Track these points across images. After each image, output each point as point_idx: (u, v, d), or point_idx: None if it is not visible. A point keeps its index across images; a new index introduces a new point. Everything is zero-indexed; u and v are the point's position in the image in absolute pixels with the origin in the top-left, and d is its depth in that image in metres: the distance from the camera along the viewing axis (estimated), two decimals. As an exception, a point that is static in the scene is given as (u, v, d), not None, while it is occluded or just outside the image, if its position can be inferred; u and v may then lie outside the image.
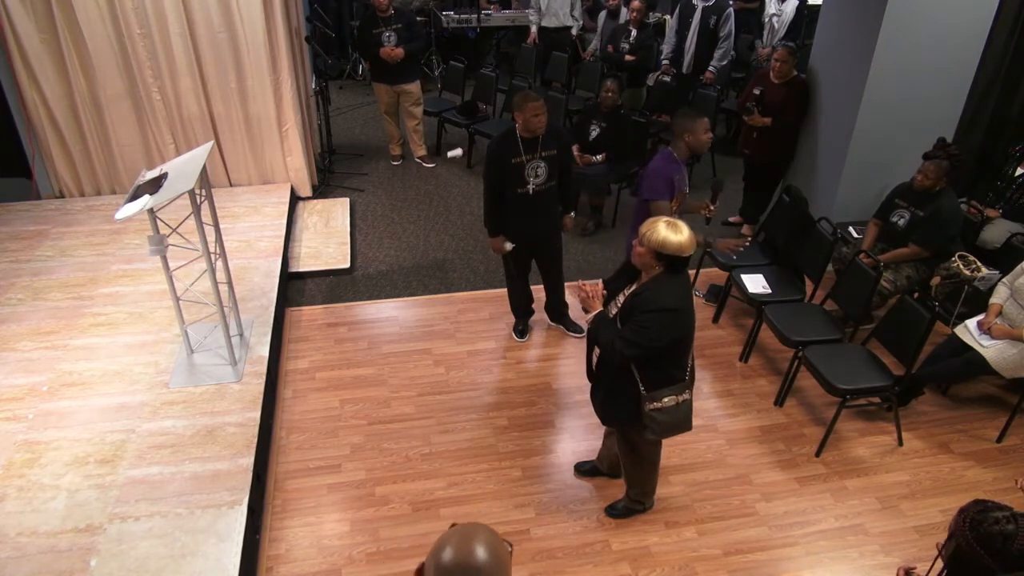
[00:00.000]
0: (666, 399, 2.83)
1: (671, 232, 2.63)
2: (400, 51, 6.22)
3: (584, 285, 2.91)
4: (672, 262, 2.68)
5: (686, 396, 2.89)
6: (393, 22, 6.24)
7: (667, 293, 2.68)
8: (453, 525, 1.52)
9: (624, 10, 7.46)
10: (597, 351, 2.94)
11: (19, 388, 3.84)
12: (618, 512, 3.40)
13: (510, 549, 1.49)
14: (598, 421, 3.27)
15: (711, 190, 3.88)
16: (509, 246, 4.22)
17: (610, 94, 5.57)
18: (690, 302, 2.77)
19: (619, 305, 2.84)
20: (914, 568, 2.21)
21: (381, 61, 6.29)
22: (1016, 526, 1.82)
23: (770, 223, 5.09)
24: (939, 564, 2.00)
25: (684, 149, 3.75)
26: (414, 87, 6.58)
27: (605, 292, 2.94)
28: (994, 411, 4.07)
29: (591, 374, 3.08)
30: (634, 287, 2.82)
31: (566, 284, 4.59)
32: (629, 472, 3.30)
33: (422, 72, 6.83)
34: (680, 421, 2.90)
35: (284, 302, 4.88)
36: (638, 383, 2.82)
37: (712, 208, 3.83)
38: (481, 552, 1.42)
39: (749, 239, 3.60)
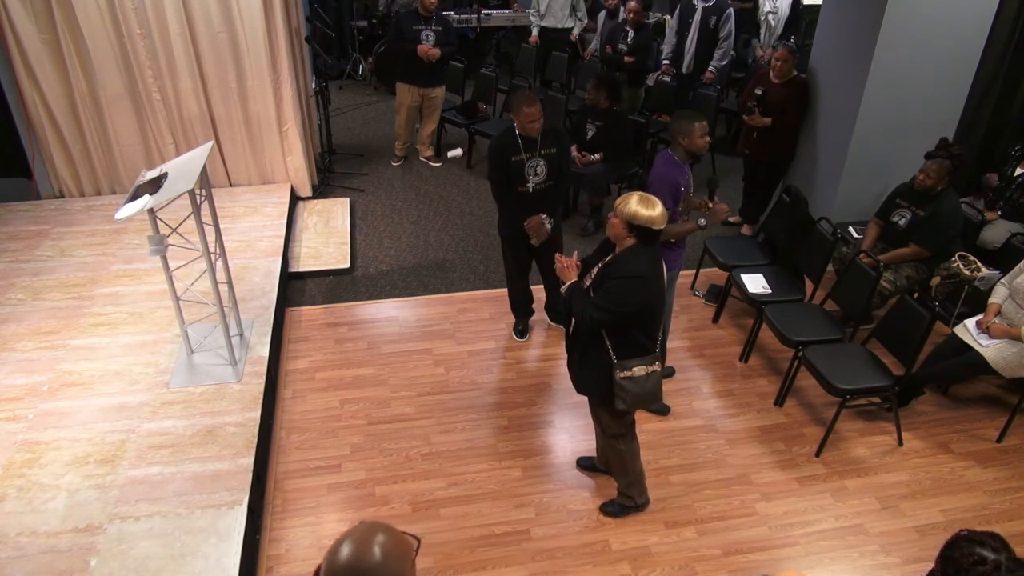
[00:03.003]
0: (636, 368, 2.93)
1: (642, 207, 2.78)
2: (437, 51, 6.23)
3: (561, 257, 3.07)
4: (643, 233, 2.81)
5: (655, 368, 2.99)
6: (433, 23, 6.28)
7: (637, 261, 2.83)
8: (361, 522, 1.53)
9: (623, 10, 7.47)
10: (573, 321, 3.08)
11: (19, 388, 3.84)
12: (613, 510, 3.41)
13: (416, 544, 1.50)
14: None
15: (707, 187, 3.87)
16: (547, 219, 4.10)
17: (591, 95, 5.57)
18: (659, 272, 2.89)
19: (593, 276, 2.97)
20: None
21: (413, 60, 6.27)
22: (986, 566, 1.72)
23: (770, 223, 5.09)
24: None
25: (682, 152, 3.72)
26: (440, 92, 6.64)
27: (579, 264, 3.08)
28: (994, 411, 4.07)
29: (568, 343, 3.20)
30: (607, 259, 2.96)
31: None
32: (611, 458, 3.35)
33: (446, 78, 6.84)
34: (649, 392, 2.99)
35: (284, 302, 4.88)
36: (610, 352, 2.93)
37: (710, 205, 3.80)
38: (363, 553, 1.43)
39: (726, 209, 3.75)
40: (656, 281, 2.87)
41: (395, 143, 6.96)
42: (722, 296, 4.82)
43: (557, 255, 3.11)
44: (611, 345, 2.93)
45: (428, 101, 6.63)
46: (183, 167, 3.67)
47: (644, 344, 2.94)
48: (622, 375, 2.94)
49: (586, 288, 2.96)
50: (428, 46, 6.22)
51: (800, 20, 7.56)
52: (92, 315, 4.42)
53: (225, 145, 5.88)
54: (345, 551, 1.44)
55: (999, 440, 3.89)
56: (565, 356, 3.18)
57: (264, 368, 4.01)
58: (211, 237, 3.79)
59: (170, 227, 3.60)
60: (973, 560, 1.73)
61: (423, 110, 6.73)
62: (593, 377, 3.05)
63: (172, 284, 3.80)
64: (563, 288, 3.03)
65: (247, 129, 5.84)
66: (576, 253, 3.12)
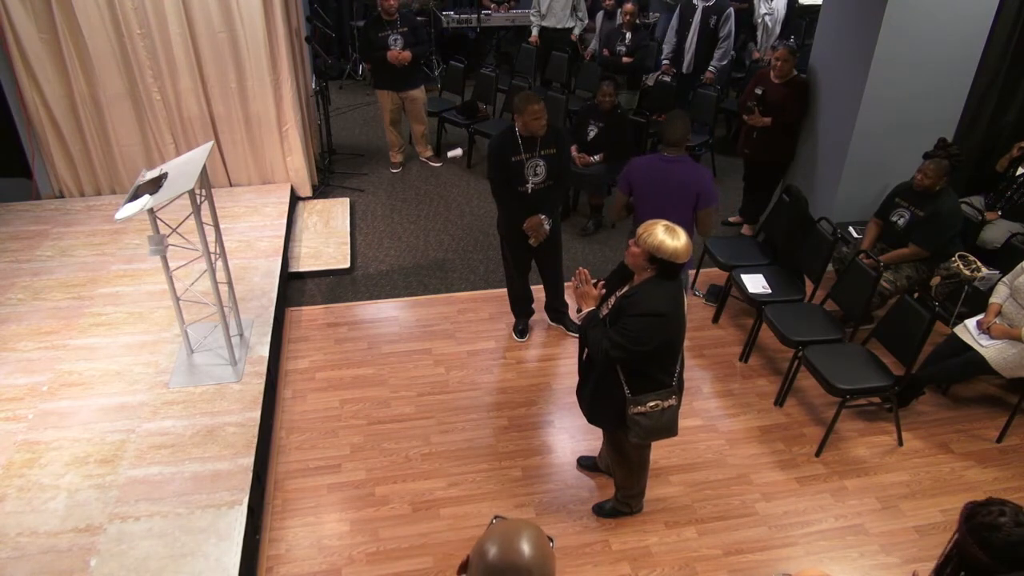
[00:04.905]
0: (650, 404, 2.82)
1: (668, 237, 2.61)
2: (408, 54, 6.16)
3: (582, 275, 2.88)
4: (665, 267, 2.65)
5: (672, 402, 2.87)
6: (399, 26, 6.21)
7: (657, 297, 2.66)
8: (496, 518, 1.48)
9: (620, 12, 7.47)
10: (587, 350, 2.95)
11: (19, 388, 3.84)
12: (605, 512, 3.40)
13: (552, 545, 1.45)
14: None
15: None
16: (545, 219, 4.10)
17: (607, 98, 5.57)
18: (680, 308, 2.74)
19: (610, 306, 2.84)
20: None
21: (387, 66, 6.22)
22: (1008, 519, 1.85)
23: (770, 223, 5.09)
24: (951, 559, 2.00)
25: (685, 151, 3.82)
26: (420, 93, 6.57)
27: (603, 291, 2.93)
28: (994, 411, 4.07)
29: (581, 371, 3.09)
30: (625, 289, 2.81)
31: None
32: (616, 473, 3.31)
33: (426, 77, 6.79)
34: (664, 426, 2.89)
35: (284, 302, 4.88)
36: (623, 386, 2.82)
37: None
38: (527, 549, 1.38)
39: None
40: (677, 317, 2.71)
41: (389, 152, 6.89)
42: (722, 296, 4.82)
43: (581, 269, 2.91)
44: (625, 380, 2.81)
45: (409, 104, 6.56)
46: (183, 167, 3.67)
47: (660, 379, 2.82)
48: (635, 410, 2.82)
49: (603, 318, 2.81)
50: (398, 51, 6.14)
51: (795, 20, 7.55)
52: (92, 315, 4.42)
53: (225, 145, 5.88)
54: (503, 548, 1.38)
55: (999, 440, 3.89)
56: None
57: (264, 368, 4.02)
58: (211, 237, 3.79)
59: (170, 227, 3.60)
60: (996, 514, 1.87)
61: (406, 113, 6.68)
62: (605, 409, 2.95)
63: (172, 284, 3.80)
64: (579, 315, 2.91)
65: (247, 129, 5.84)
66: (601, 283, 2.96)
